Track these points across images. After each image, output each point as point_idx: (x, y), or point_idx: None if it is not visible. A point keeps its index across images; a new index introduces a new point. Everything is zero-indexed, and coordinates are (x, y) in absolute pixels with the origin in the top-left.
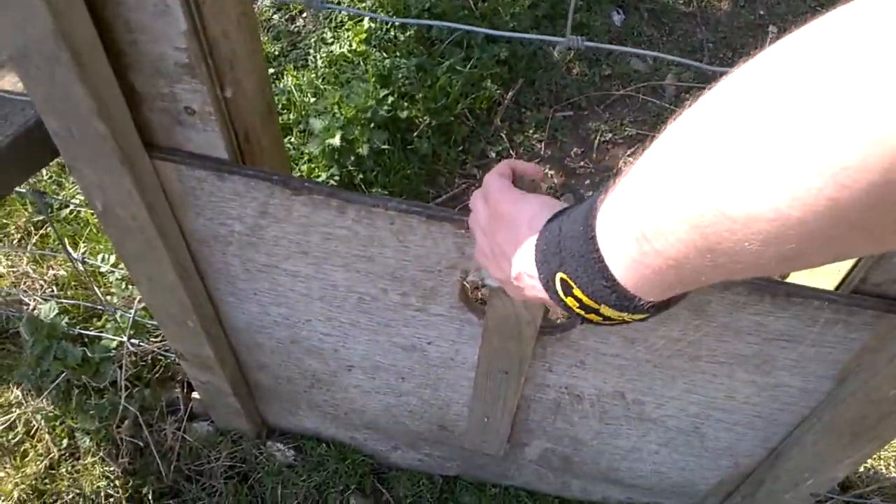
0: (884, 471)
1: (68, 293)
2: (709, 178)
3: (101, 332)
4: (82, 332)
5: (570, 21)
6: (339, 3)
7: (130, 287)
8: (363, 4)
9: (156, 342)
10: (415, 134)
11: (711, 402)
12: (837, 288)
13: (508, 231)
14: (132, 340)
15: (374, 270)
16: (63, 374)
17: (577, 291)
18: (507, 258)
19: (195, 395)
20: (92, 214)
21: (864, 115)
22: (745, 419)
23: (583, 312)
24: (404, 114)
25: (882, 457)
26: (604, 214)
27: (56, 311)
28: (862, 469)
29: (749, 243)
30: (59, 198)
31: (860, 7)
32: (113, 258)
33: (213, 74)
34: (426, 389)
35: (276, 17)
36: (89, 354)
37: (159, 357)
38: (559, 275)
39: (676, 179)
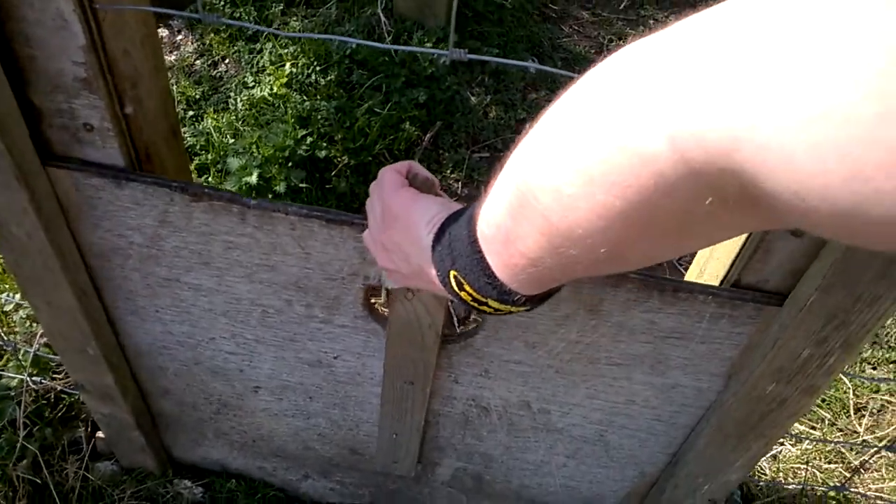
0: (782, 481)
1: None
2: (523, 168)
3: (2, 371)
4: None
5: (451, 38)
6: (240, 20)
7: (34, 325)
8: (285, 51)
9: (58, 378)
10: (333, 173)
11: (613, 407)
12: (720, 284)
13: (406, 232)
14: (33, 378)
15: (277, 280)
16: None
17: (467, 287)
18: (406, 257)
19: (99, 433)
20: None
21: (609, 122)
22: (646, 424)
23: (476, 305)
24: (322, 153)
25: (781, 469)
26: (480, 220)
27: None
28: (763, 484)
29: (565, 243)
30: None
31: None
32: (18, 296)
33: (113, 91)
34: (335, 409)
35: (198, 62)
36: None
37: (62, 395)
38: (452, 272)
39: (511, 176)
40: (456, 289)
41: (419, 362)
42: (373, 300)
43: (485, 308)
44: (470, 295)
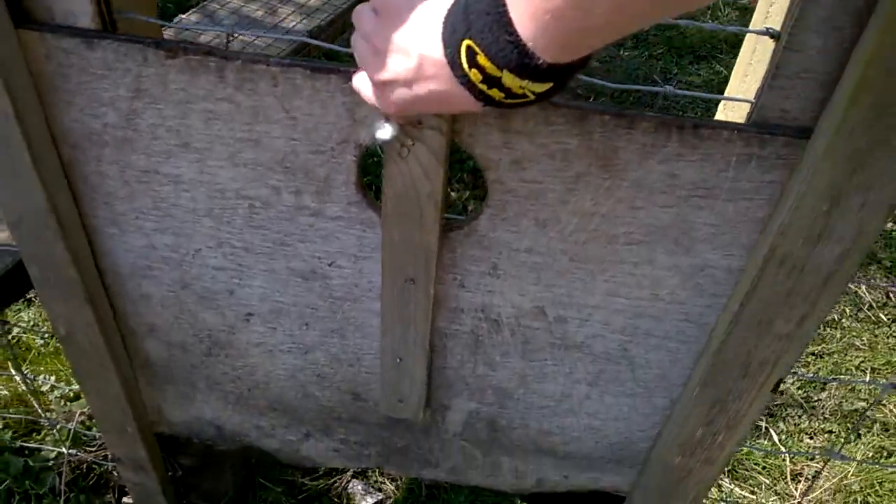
0: None
1: (10, 410)
2: None
3: (42, 444)
4: (24, 444)
5: None
6: None
7: (70, 404)
8: None
9: (91, 451)
10: None
11: (637, 306)
12: None
13: (409, 21)
14: (71, 451)
15: (262, 160)
16: (5, 483)
17: (481, 58)
18: (406, 50)
19: (126, 499)
20: (33, 340)
21: None
22: (674, 328)
23: (485, 87)
24: None
25: None
26: None
27: (0, 426)
28: None
29: None
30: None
31: None
32: (54, 378)
33: None
34: (333, 337)
35: None
36: (31, 464)
37: (94, 465)
38: (465, 42)
39: None
40: (466, 66)
41: (420, 249)
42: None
43: (494, 92)
44: (482, 72)
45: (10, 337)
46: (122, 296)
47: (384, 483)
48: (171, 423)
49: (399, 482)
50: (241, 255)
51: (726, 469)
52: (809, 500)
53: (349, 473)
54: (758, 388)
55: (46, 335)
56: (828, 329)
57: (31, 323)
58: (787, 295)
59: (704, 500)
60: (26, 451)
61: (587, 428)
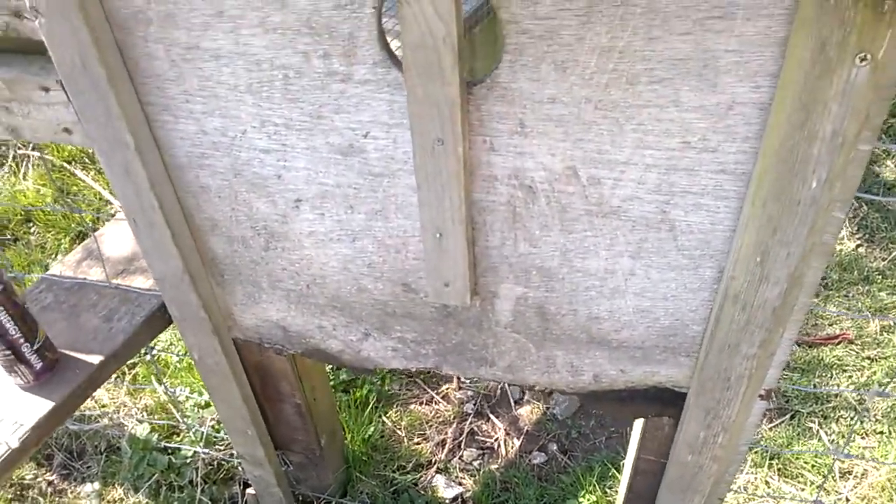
0: None
1: (155, 416)
2: None
3: (181, 444)
4: (167, 445)
5: None
6: None
7: (202, 410)
8: None
9: (220, 450)
10: None
11: (668, 159)
12: None
13: None
14: (204, 450)
15: (289, 23)
16: (154, 476)
17: None
18: None
19: (249, 490)
20: (170, 357)
21: None
22: (711, 183)
23: None
24: None
25: None
26: None
27: (148, 430)
28: None
29: None
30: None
31: None
32: (188, 389)
33: None
34: (378, 220)
35: None
36: (173, 461)
37: (223, 462)
38: None
39: None
40: None
41: (444, 104)
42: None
43: None
44: None
45: (152, 355)
46: (185, 189)
47: (464, 478)
48: (243, 328)
49: (477, 476)
50: (282, 133)
51: (776, 467)
52: (857, 497)
53: (433, 469)
54: (741, 398)
55: (181, 353)
56: (884, 334)
57: (168, 343)
58: (746, 324)
59: (739, 495)
60: (169, 451)
61: (636, 310)
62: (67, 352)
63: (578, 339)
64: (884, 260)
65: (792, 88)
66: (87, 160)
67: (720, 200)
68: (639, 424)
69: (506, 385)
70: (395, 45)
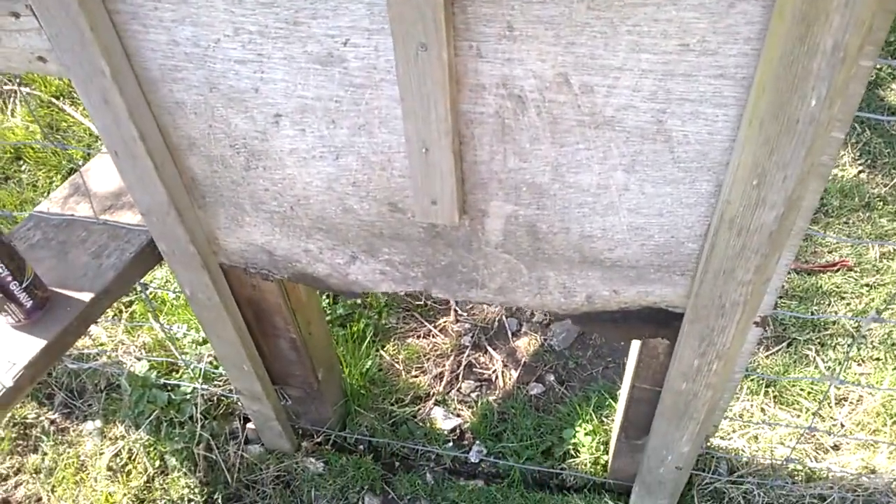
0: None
1: (154, 354)
2: None
3: (180, 381)
4: (166, 382)
5: None
6: None
7: (199, 347)
8: None
9: (219, 386)
10: None
11: (665, 63)
12: None
13: None
14: (203, 386)
15: None
16: (154, 413)
17: None
18: None
19: (249, 425)
20: (167, 295)
21: None
22: (710, 90)
23: None
24: None
25: (759, 448)
26: None
27: (147, 367)
28: (745, 458)
29: None
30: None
31: None
32: (185, 326)
33: None
34: (361, 136)
35: None
36: (173, 397)
37: (222, 398)
38: None
39: None
40: None
41: (425, 6)
42: None
43: None
44: None
45: (148, 293)
46: (159, 105)
47: (462, 410)
48: (228, 253)
49: (475, 408)
50: (257, 41)
51: (772, 395)
52: (853, 423)
53: (431, 401)
54: (735, 325)
55: (177, 290)
56: (884, 261)
57: (164, 280)
58: (741, 249)
59: (735, 422)
60: (168, 388)
61: (630, 228)
62: (58, 289)
63: (571, 258)
64: (885, 186)
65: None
66: (74, 95)
67: (719, 108)
68: (634, 353)
69: (504, 317)
70: None
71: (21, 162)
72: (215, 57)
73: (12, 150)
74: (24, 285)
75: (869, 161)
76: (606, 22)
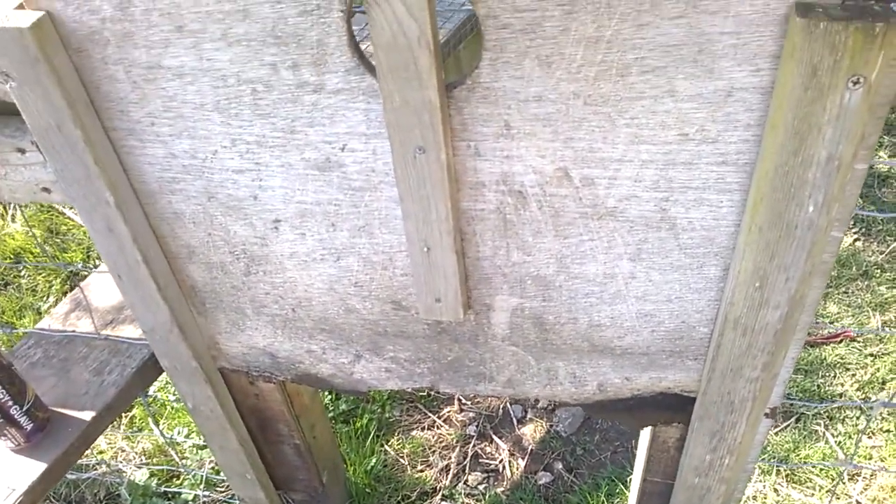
0: None
1: (154, 460)
2: None
3: (181, 488)
4: (167, 489)
5: None
6: None
7: (200, 452)
8: None
9: (220, 492)
10: None
11: (666, 153)
12: None
13: None
14: (205, 493)
15: (253, 34)
16: None
17: None
18: None
19: None
20: (167, 398)
21: None
22: (712, 176)
23: None
24: None
25: None
26: None
27: (147, 475)
28: None
29: None
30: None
31: None
32: (186, 430)
33: None
34: (362, 237)
35: None
36: None
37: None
38: None
39: None
40: None
41: (423, 108)
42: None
43: None
44: None
45: (148, 398)
46: (157, 217)
47: (470, 503)
48: (230, 357)
49: (482, 501)
50: (255, 151)
51: (783, 473)
52: (868, 499)
53: (438, 496)
54: (745, 419)
55: (177, 394)
56: (886, 329)
57: (163, 382)
58: (748, 348)
59: (745, 503)
60: (169, 496)
61: (639, 315)
62: (59, 409)
63: (580, 348)
64: (881, 254)
65: (783, 114)
66: None
67: (723, 194)
68: (644, 447)
69: (508, 404)
70: (370, 50)
71: (20, 266)
72: (213, 167)
73: (12, 256)
74: (24, 408)
75: (863, 229)
76: (604, 116)
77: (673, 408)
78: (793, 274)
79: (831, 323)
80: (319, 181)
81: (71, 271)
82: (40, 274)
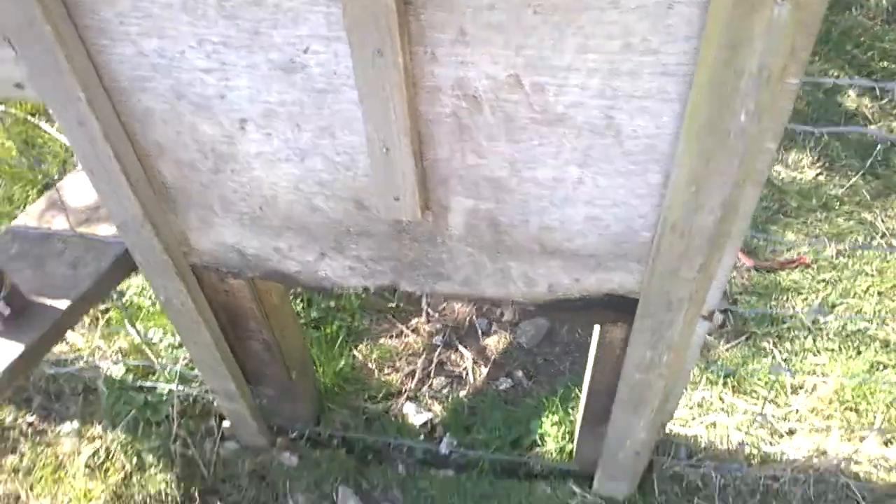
0: (718, 444)
1: (130, 358)
2: None
3: (156, 383)
4: (143, 384)
5: None
6: None
7: (175, 350)
8: None
9: (195, 387)
10: None
11: (610, 63)
12: None
13: None
14: (179, 387)
15: None
16: (131, 413)
17: None
18: None
19: (225, 423)
20: (143, 301)
21: None
22: (654, 86)
23: None
24: None
25: (717, 434)
26: None
27: (124, 370)
28: (703, 444)
29: None
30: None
31: None
32: (161, 331)
33: None
34: (325, 138)
35: None
36: (149, 399)
37: (198, 398)
38: None
39: None
40: None
41: (380, 14)
42: None
43: None
44: None
45: (124, 300)
46: (128, 114)
47: (433, 405)
48: (200, 253)
49: (445, 403)
50: (221, 51)
51: (730, 385)
52: (806, 409)
53: (404, 398)
54: (682, 318)
55: (153, 297)
56: (840, 258)
57: (140, 287)
58: (685, 250)
59: (694, 410)
60: (144, 390)
61: (587, 218)
62: (35, 298)
63: (532, 249)
64: (842, 187)
65: (717, 28)
66: (49, 112)
67: (664, 104)
68: (593, 348)
69: (473, 317)
70: None
71: None
72: (181, 67)
73: None
74: (1, 295)
75: (827, 164)
76: (553, 25)
77: (618, 307)
78: (727, 179)
79: (788, 250)
80: (284, 82)
81: (48, 183)
82: (17, 183)
